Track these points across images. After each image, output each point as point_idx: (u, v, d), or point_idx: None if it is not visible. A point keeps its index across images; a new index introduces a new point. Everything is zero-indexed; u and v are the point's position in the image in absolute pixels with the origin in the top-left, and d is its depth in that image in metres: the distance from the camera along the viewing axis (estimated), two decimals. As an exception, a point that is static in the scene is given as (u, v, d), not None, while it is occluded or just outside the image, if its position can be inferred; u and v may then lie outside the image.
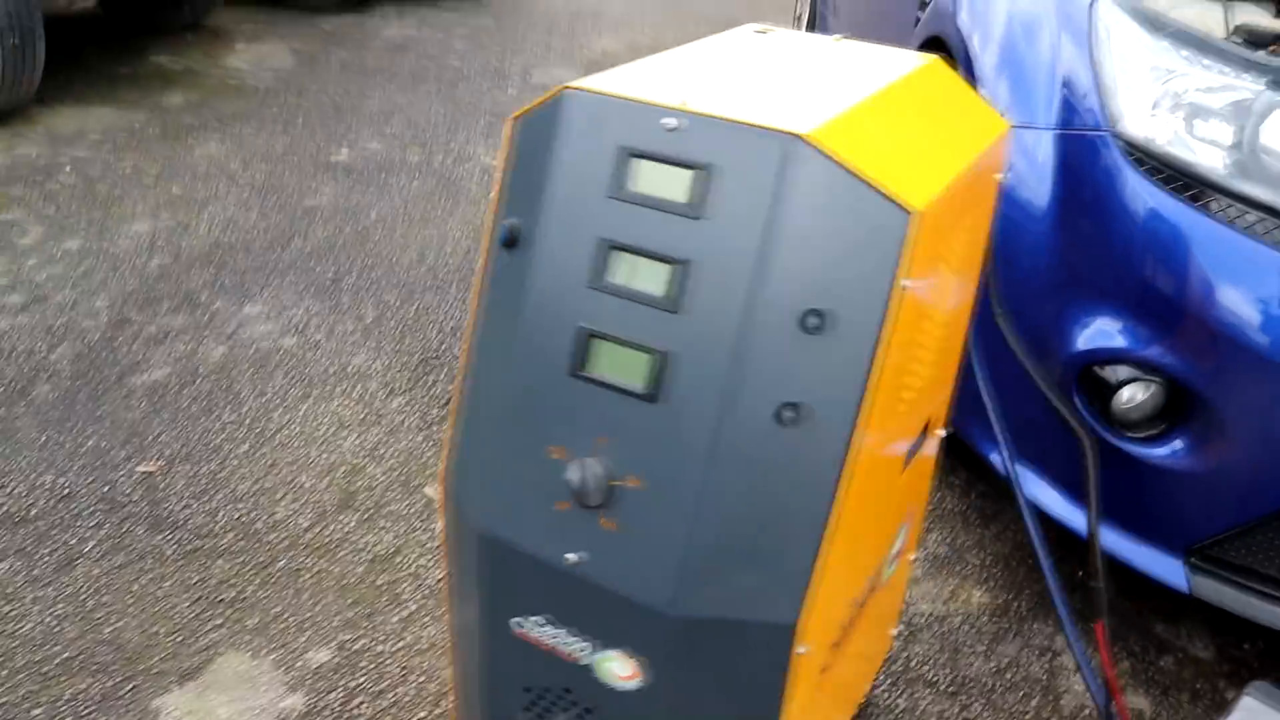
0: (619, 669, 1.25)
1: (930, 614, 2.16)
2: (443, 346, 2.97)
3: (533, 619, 1.29)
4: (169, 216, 3.62)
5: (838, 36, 1.59)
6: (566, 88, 1.21)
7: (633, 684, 1.25)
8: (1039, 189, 2.03)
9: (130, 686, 1.87)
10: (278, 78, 5.19)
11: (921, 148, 1.28)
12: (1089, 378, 1.95)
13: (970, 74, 2.30)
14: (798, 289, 1.11)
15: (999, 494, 2.52)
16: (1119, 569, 2.30)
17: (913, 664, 2.04)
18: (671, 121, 1.14)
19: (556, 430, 1.21)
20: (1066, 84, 2.02)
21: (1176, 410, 1.87)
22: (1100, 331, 1.88)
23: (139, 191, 3.79)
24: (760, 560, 1.16)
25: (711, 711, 1.26)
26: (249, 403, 2.64)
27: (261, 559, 2.16)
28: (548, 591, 1.25)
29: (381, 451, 2.50)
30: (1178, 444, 1.87)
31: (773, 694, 1.24)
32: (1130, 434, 1.91)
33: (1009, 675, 2.03)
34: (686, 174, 1.13)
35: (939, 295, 1.29)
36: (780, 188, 1.10)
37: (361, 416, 2.62)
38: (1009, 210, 2.03)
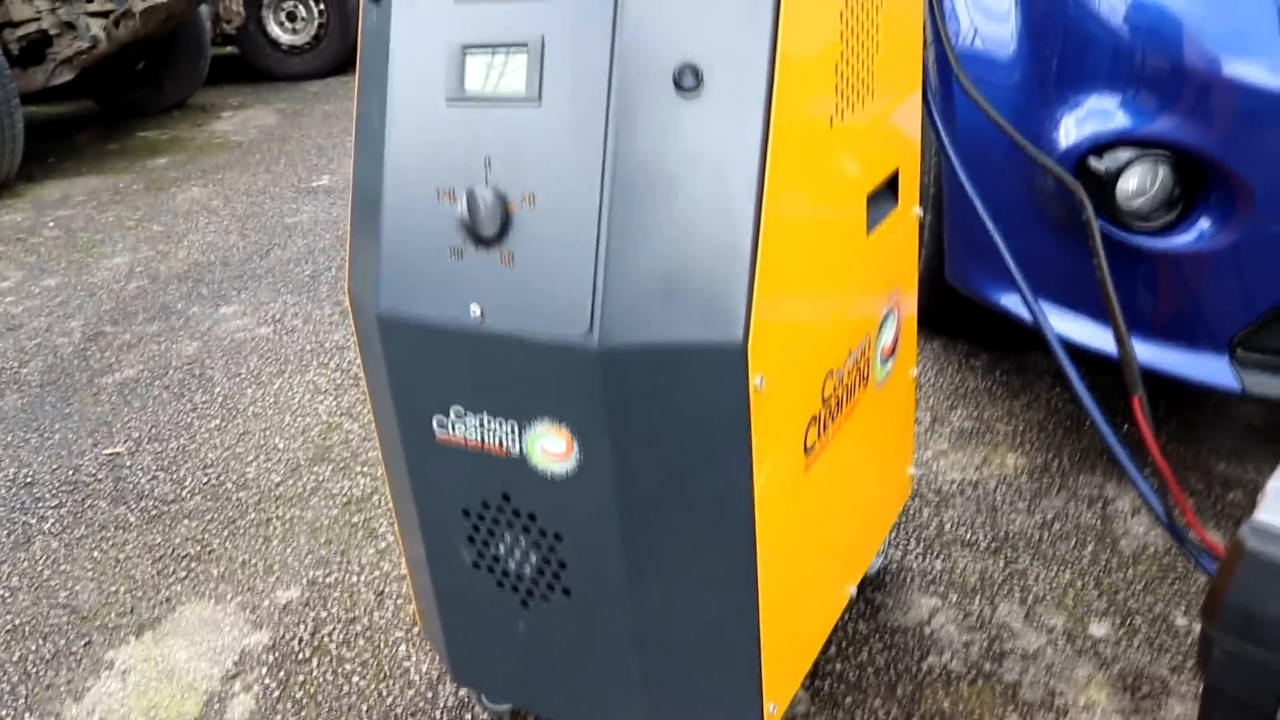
0: (551, 445, 1.07)
1: (961, 481, 1.94)
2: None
3: (453, 411, 1.11)
4: (148, 249, 3.55)
5: None
6: None
7: (569, 462, 1.07)
8: (1001, 10, 1.87)
9: (84, 642, 1.70)
10: (262, 132, 5.19)
11: None
12: (1087, 177, 1.75)
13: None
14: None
15: (1024, 370, 2.30)
16: (1166, 399, 2.09)
17: (947, 528, 1.82)
18: None
19: (442, 171, 1.05)
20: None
21: (1191, 189, 1.67)
22: (1094, 113, 1.70)
23: (119, 234, 3.74)
24: (686, 266, 0.99)
25: (666, 493, 1.07)
26: (221, 385, 2.51)
27: (229, 515, 2.00)
28: (458, 367, 1.08)
29: (359, 410, 2.35)
30: (1202, 225, 1.66)
31: (737, 461, 1.05)
32: (1145, 227, 1.71)
33: (1057, 527, 1.81)
34: None
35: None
36: None
37: (338, 382, 2.48)
38: (977, 49, 1.88)
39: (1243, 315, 1.67)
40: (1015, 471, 1.96)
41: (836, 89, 1.10)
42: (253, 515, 1.99)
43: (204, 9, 5.53)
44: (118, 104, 5.81)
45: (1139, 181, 1.70)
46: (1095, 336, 1.81)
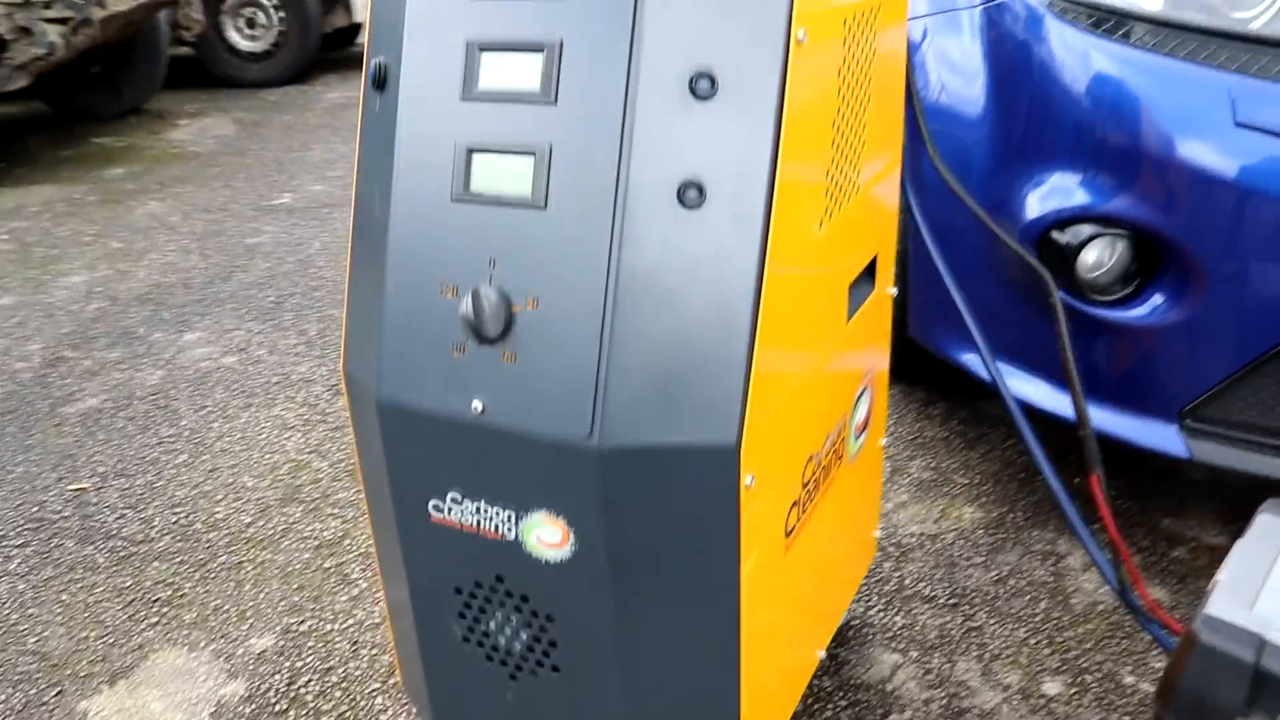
0: (547, 535, 1.11)
1: (921, 534, 2.01)
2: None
3: (450, 497, 1.15)
4: (107, 267, 3.51)
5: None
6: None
7: (565, 551, 1.11)
8: (969, 69, 1.94)
9: (55, 692, 1.70)
10: (220, 143, 5.14)
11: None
12: (1050, 249, 1.83)
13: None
14: (681, 52, 1.00)
15: (980, 420, 2.38)
16: (1115, 455, 2.17)
17: (907, 582, 1.88)
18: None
19: (446, 266, 1.09)
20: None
21: (1148, 265, 1.76)
22: (1056, 189, 1.77)
23: (76, 250, 3.70)
24: (684, 371, 1.03)
25: (657, 581, 1.12)
26: (187, 418, 2.51)
27: (200, 557, 2.00)
28: (457, 456, 1.11)
29: (327, 447, 2.36)
30: (1156, 299, 1.74)
31: (726, 552, 1.10)
32: (1103, 299, 1.79)
33: (1012, 582, 1.88)
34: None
35: (852, 73, 1.18)
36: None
37: (306, 418, 2.49)
38: (944, 104, 1.95)
39: (1192, 387, 1.76)
40: (972, 525, 2.03)
41: (827, 193, 1.16)
42: (224, 558, 2.00)
43: (162, 15, 5.46)
44: (71, 107, 5.72)
45: (1098, 256, 1.78)
46: (1052, 399, 1.89)
